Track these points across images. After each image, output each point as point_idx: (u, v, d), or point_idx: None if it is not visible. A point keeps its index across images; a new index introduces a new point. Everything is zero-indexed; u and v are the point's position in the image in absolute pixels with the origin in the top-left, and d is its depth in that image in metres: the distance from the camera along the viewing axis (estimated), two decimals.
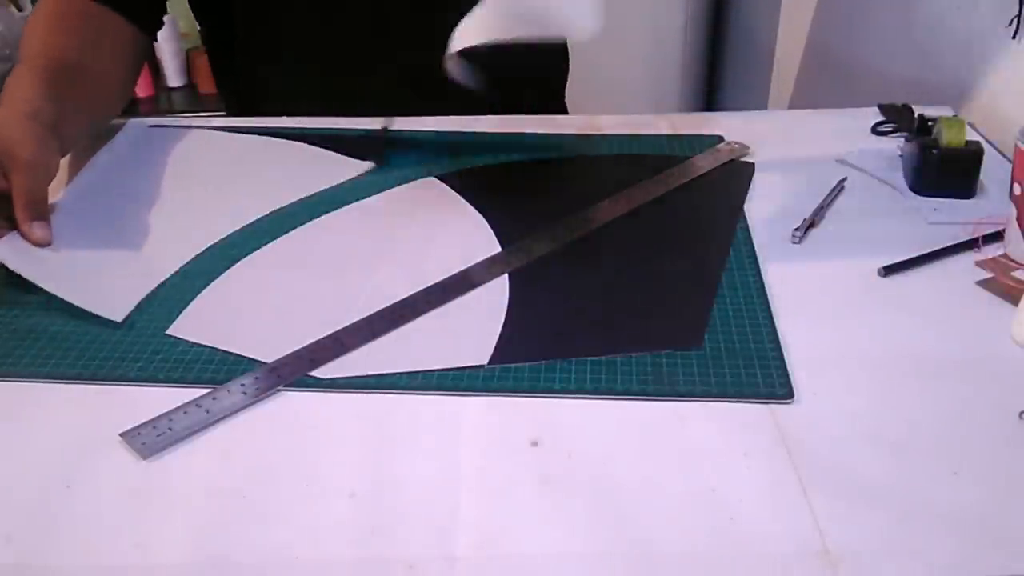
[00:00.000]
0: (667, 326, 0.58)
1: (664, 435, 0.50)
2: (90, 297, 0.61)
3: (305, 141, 0.85)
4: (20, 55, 0.76)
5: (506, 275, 0.64)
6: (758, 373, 0.54)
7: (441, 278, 0.63)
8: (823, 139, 0.84)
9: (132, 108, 0.85)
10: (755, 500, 0.45)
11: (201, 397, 0.52)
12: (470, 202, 0.74)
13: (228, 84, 1.02)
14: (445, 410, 0.52)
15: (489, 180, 0.78)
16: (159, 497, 0.46)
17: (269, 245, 0.69)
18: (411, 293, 0.61)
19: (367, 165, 0.80)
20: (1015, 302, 0.58)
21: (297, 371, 0.54)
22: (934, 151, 0.73)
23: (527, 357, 0.55)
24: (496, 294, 0.62)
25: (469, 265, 0.65)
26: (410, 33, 0.93)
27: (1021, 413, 0.50)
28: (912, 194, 0.74)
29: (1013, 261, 0.64)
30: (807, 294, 0.61)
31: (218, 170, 0.81)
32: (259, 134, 0.87)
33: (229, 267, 0.66)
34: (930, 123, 0.75)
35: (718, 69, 2.06)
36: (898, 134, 0.83)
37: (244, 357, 0.56)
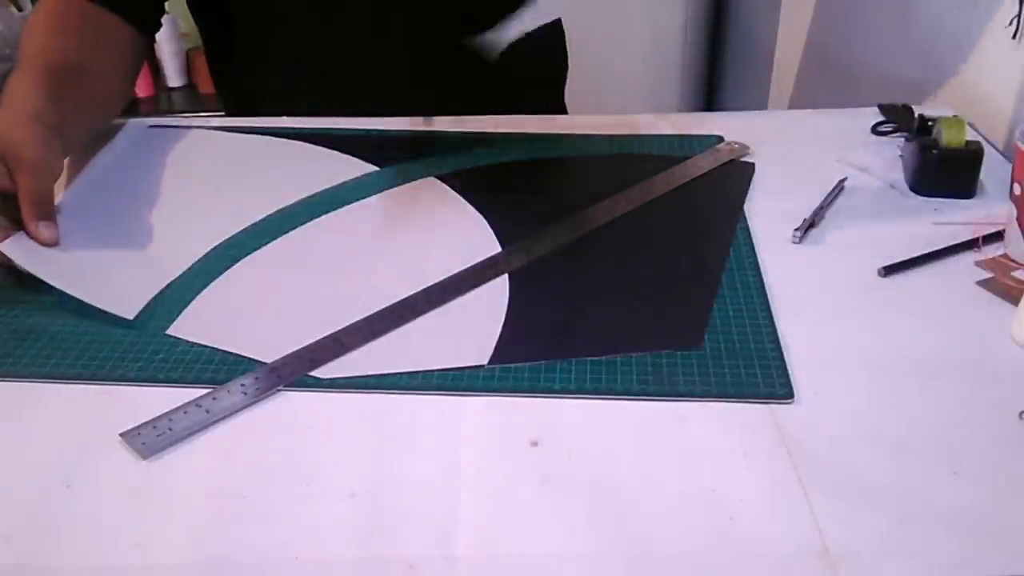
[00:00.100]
0: (667, 326, 0.58)
1: (664, 435, 0.50)
2: (101, 295, 0.61)
3: (305, 141, 0.85)
4: (20, 57, 0.77)
5: (506, 275, 0.64)
6: (758, 373, 0.54)
7: (441, 278, 0.63)
8: (823, 139, 0.84)
9: (132, 108, 0.85)
10: (755, 500, 0.45)
11: (201, 397, 0.52)
12: (470, 202, 0.74)
13: (227, 85, 1.02)
14: (445, 410, 0.52)
15: (489, 180, 0.78)
16: (159, 497, 0.46)
17: (269, 245, 0.69)
18: (411, 293, 0.61)
19: (367, 165, 0.80)
20: (1015, 302, 0.58)
21: (297, 371, 0.54)
22: (934, 151, 0.73)
23: (527, 357, 0.55)
24: (496, 294, 0.62)
25: (469, 265, 0.65)
26: (409, 33, 0.93)
27: (1021, 413, 0.50)
28: (912, 194, 0.74)
29: (1013, 261, 0.64)
30: (807, 294, 0.61)
31: (219, 170, 0.81)
32: (259, 134, 0.87)
33: (229, 267, 0.66)
34: (930, 123, 0.75)
35: (718, 69, 2.06)
36: (898, 134, 0.83)
37: (244, 357, 0.56)
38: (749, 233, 0.69)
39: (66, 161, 0.75)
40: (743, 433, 0.50)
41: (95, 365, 0.56)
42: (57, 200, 0.70)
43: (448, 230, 0.70)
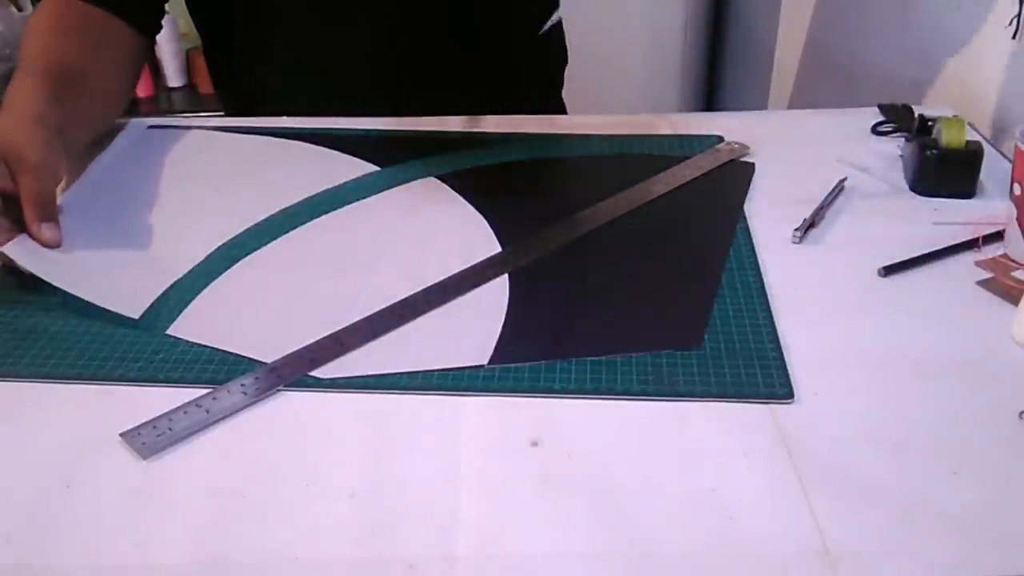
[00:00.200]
0: (667, 326, 0.58)
1: (664, 435, 0.50)
2: (105, 294, 0.61)
3: (305, 141, 0.85)
4: (21, 59, 0.77)
5: (506, 275, 0.64)
6: (758, 373, 0.54)
7: (441, 278, 0.63)
8: (823, 139, 0.84)
9: (132, 108, 0.85)
10: (755, 500, 0.45)
11: (201, 397, 0.52)
12: (470, 202, 0.74)
13: (226, 85, 1.02)
14: (445, 410, 0.52)
15: (489, 180, 0.78)
16: (159, 497, 0.46)
17: (269, 245, 0.69)
18: (411, 293, 0.61)
19: (367, 165, 0.80)
20: (1015, 302, 0.58)
21: (297, 371, 0.54)
22: (934, 151, 0.73)
23: (527, 357, 0.55)
24: (496, 294, 0.62)
25: (469, 265, 0.65)
26: (409, 33, 0.93)
27: (1021, 413, 0.50)
28: (912, 194, 0.74)
29: (1013, 261, 0.64)
30: (807, 294, 0.61)
31: (219, 171, 0.81)
32: (259, 134, 0.87)
33: (229, 267, 0.66)
34: (930, 123, 0.75)
35: (718, 69, 2.06)
36: (898, 134, 0.83)
37: (244, 357, 0.56)
38: (749, 233, 0.69)
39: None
40: (743, 433, 0.50)
41: (95, 365, 0.56)
42: (58, 201, 0.70)
43: (448, 230, 0.70)
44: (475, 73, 0.97)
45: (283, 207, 0.74)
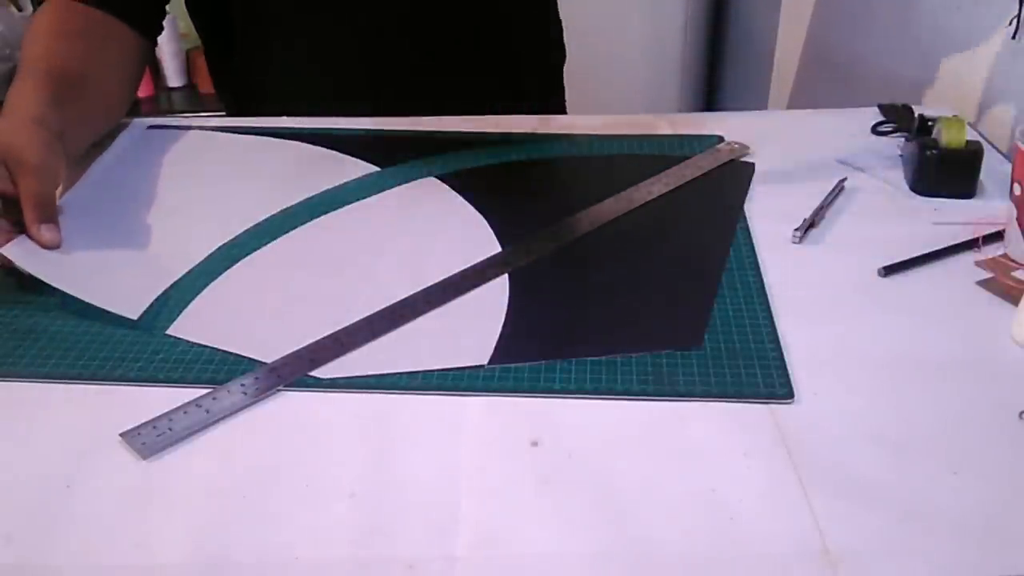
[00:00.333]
0: (667, 326, 0.58)
1: (664, 435, 0.50)
2: (104, 295, 0.61)
3: (305, 141, 0.85)
4: (22, 61, 0.77)
5: (506, 275, 0.64)
6: (758, 373, 0.54)
7: (441, 278, 0.63)
8: (823, 139, 0.84)
9: (132, 108, 0.85)
10: (755, 500, 0.45)
11: (201, 397, 0.52)
12: (470, 202, 0.74)
13: (226, 85, 1.02)
14: (445, 410, 0.52)
15: (489, 180, 0.78)
16: (159, 497, 0.46)
17: (269, 245, 0.69)
18: (411, 293, 0.61)
19: (367, 165, 0.80)
20: (1015, 302, 0.58)
21: (297, 371, 0.54)
22: (934, 151, 0.73)
23: (527, 357, 0.55)
24: (496, 294, 0.62)
25: (469, 265, 0.65)
26: (409, 33, 0.93)
27: (1021, 413, 0.50)
28: (912, 194, 0.74)
29: (1013, 261, 0.64)
30: (807, 294, 0.61)
31: (220, 171, 0.81)
32: (259, 134, 0.87)
33: (229, 267, 0.66)
34: (930, 123, 0.75)
35: (718, 69, 2.06)
36: (898, 134, 0.83)
37: (244, 357, 0.56)
38: (749, 233, 0.69)
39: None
40: (743, 433, 0.50)
41: (95, 365, 0.56)
42: (58, 201, 0.70)
43: (448, 230, 0.70)
44: (475, 73, 0.97)
45: (283, 207, 0.74)
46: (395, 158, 0.81)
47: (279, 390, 0.53)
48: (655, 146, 0.84)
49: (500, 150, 0.83)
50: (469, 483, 0.47)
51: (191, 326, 0.59)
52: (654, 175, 0.77)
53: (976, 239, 0.66)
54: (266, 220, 0.72)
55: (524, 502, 0.46)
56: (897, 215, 0.71)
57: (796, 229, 0.68)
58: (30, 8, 1.90)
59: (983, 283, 0.62)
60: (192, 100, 2.17)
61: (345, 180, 0.78)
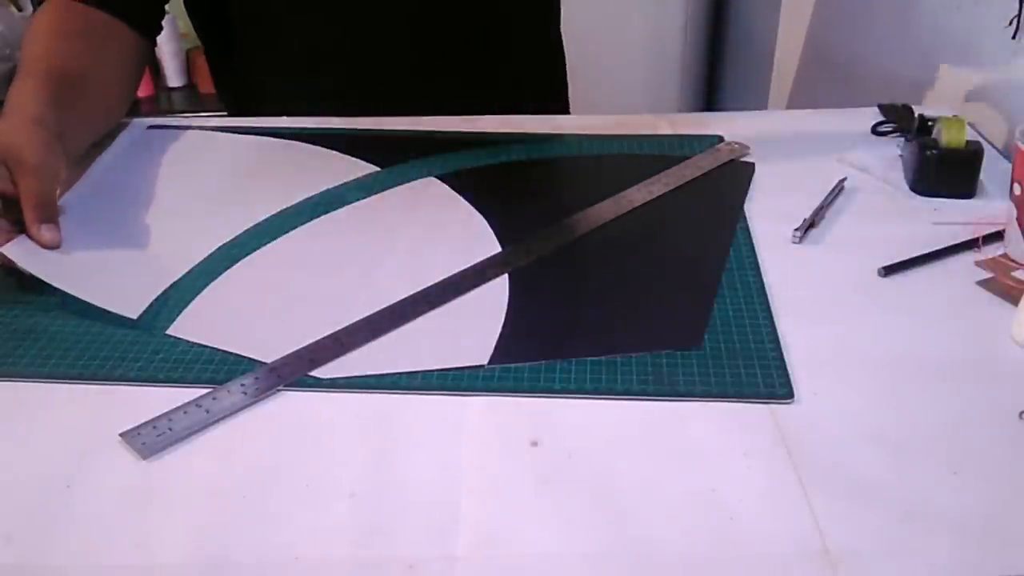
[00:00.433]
0: (667, 326, 0.58)
1: (664, 435, 0.50)
2: (104, 295, 0.61)
3: (305, 141, 0.85)
4: (22, 61, 0.77)
5: (506, 275, 0.64)
6: (758, 373, 0.54)
7: (441, 278, 0.63)
8: (823, 139, 0.84)
9: (132, 108, 0.85)
10: (755, 500, 0.45)
11: (201, 397, 0.52)
12: (470, 202, 0.74)
13: (227, 85, 1.02)
14: (445, 410, 0.52)
15: (489, 180, 0.78)
16: (159, 497, 0.46)
17: (269, 245, 0.69)
18: (411, 293, 0.61)
19: (367, 165, 0.80)
20: (1015, 302, 0.58)
21: (297, 371, 0.54)
22: (934, 151, 0.73)
23: (527, 357, 0.55)
24: (496, 294, 0.62)
25: (469, 265, 0.65)
26: (409, 33, 0.93)
27: (1021, 413, 0.50)
28: (912, 194, 0.74)
29: (1013, 261, 0.64)
30: (807, 294, 0.61)
31: (220, 171, 0.81)
32: (259, 134, 0.87)
33: (229, 267, 0.66)
34: (930, 123, 0.75)
35: (718, 69, 2.06)
36: (898, 134, 0.83)
37: (244, 357, 0.56)
38: (749, 233, 0.69)
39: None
40: (743, 433, 0.50)
41: (95, 365, 0.56)
42: (61, 201, 0.70)
43: (448, 230, 0.70)
44: (477, 73, 0.97)
45: (283, 207, 0.74)
46: (395, 158, 0.81)
47: (279, 390, 0.53)
48: (655, 146, 0.84)
49: (500, 150, 0.83)
50: (469, 483, 0.47)
51: (191, 326, 0.59)
52: (654, 175, 0.77)
53: (976, 239, 0.66)
54: (266, 220, 0.72)
55: (524, 502, 0.46)
56: (897, 215, 0.71)
57: (796, 229, 0.68)
58: (30, 8, 1.90)
59: (983, 283, 0.62)
60: (192, 100, 2.17)
61: (345, 180, 0.78)
